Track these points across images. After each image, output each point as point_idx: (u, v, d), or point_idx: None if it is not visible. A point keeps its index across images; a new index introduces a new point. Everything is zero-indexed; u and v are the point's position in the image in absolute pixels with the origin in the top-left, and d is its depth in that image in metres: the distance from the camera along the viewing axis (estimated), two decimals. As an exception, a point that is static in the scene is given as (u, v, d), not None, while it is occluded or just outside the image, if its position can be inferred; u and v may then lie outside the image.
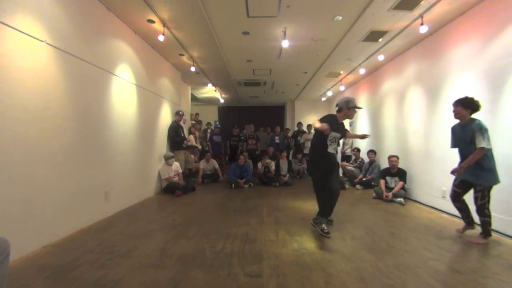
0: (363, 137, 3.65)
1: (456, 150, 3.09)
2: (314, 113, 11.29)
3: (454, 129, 3.11)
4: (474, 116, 2.93)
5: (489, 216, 2.87)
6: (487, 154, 2.79)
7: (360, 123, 7.80)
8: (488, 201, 2.87)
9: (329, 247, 2.73)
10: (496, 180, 2.83)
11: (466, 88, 3.77)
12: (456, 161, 3.05)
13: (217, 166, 7.09)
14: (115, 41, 4.01)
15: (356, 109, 3.24)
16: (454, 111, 3.01)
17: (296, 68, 6.93)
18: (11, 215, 2.31)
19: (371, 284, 2.02)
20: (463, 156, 3.00)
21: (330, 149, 3.16)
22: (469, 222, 3.15)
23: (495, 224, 3.22)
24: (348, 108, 3.19)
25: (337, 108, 3.29)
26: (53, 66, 2.80)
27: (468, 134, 2.87)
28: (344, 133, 3.38)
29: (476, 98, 2.94)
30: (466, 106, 2.92)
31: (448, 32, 4.17)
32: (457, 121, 3.06)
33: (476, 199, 2.90)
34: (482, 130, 2.76)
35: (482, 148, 2.73)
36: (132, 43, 4.50)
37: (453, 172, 2.97)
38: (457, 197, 3.11)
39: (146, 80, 5.06)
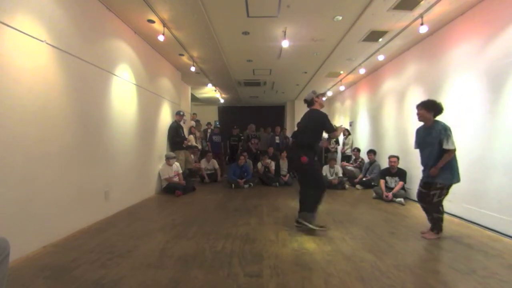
0: None
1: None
2: (314, 113, 11.29)
3: (418, 131, 3.16)
4: (438, 118, 3.00)
5: (442, 212, 2.98)
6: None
7: (360, 123, 7.80)
8: (443, 199, 2.93)
9: (329, 247, 2.73)
10: (454, 179, 2.88)
11: (466, 88, 3.78)
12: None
13: (217, 166, 7.10)
14: (115, 41, 4.01)
15: (325, 96, 3.39)
16: (417, 114, 3.05)
17: (296, 68, 6.92)
18: (11, 215, 2.31)
19: (371, 284, 2.02)
20: (425, 158, 3.05)
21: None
22: None
23: (495, 224, 3.22)
24: (317, 96, 3.32)
25: (307, 103, 3.38)
26: (53, 66, 2.80)
27: (433, 136, 2.91)
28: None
29: (438, 101, 3.00)
30: (429, 109, 2.97)
31: (448, 32, 4.17)
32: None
33: (433, 196, 2.94)
34: (447, 131, 2.83)
35: (449, 149, 2.80)
36: (132, 43, 4.50)
37: (432, 173, 2.92)
38: (423, 197, 3.11)
39: (146, 80, 5.05)
